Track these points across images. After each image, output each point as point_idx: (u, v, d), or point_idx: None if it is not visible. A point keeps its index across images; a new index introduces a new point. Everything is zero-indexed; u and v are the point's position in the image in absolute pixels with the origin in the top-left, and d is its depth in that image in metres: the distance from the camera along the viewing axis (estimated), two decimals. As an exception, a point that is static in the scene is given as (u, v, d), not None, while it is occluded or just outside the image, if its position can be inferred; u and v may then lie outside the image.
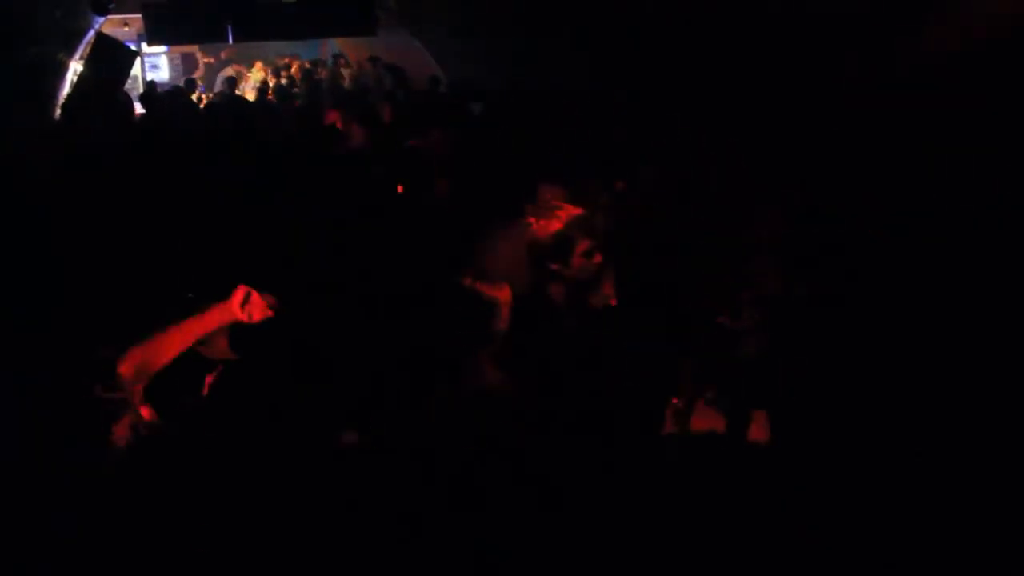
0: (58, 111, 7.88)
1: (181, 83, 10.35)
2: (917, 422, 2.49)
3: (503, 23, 7.22)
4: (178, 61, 12.91)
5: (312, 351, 2.14)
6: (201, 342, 1.92)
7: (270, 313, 1.94)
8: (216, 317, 1.92)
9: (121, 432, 1.65)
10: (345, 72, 11.42)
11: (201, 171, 4.36)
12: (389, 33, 9.80)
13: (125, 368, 1.72)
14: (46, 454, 1.52)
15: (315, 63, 11.80)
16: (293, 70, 11.25)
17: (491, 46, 7.96)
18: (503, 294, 2.06)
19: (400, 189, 4.07)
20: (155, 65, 12.70)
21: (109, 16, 8.31)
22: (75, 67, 8.53)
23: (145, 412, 1.75)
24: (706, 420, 2.50)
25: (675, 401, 2.49)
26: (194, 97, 9.76)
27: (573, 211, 2.42)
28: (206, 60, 12.50)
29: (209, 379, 2.03)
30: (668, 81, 5.17)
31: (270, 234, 3.18)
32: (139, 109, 8.13)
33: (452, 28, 8.81)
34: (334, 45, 12.82)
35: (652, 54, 5.25)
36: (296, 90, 10.43)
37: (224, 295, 1.92)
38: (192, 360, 1.92)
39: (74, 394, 1.62)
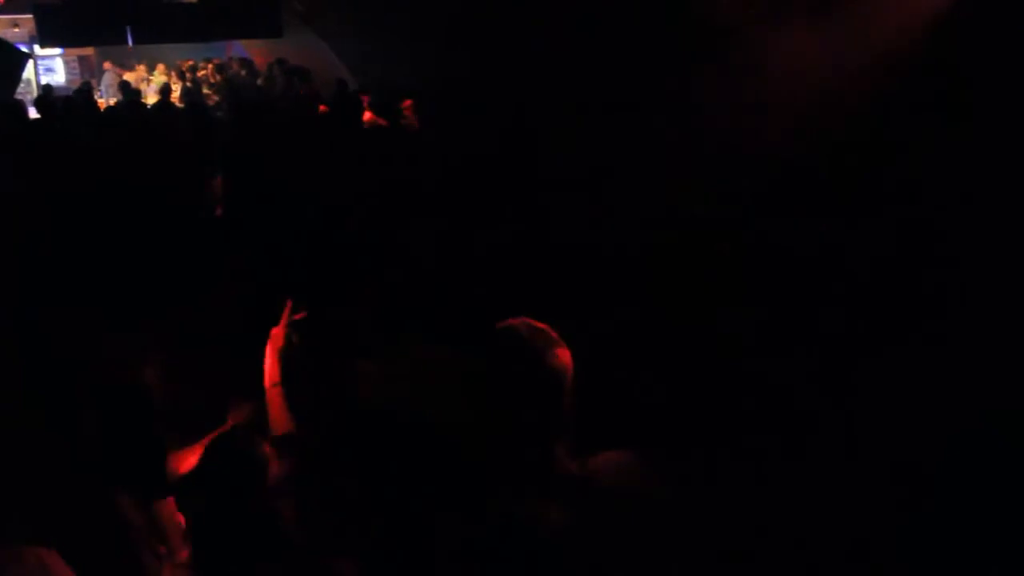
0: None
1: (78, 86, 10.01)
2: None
3: (406, 26, 7.36)
4: (75, 64, 12.43)
5: None
6: None
7: None
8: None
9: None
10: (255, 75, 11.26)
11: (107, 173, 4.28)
12: (295, 35, 9.77)
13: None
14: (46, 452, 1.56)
15: (223, 65, 11.58)
16: (201, 73, 11.00)
17: (395, 48, 8.08)
18: None
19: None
20: (50, 68, 12.20)
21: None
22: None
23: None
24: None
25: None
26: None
27: None
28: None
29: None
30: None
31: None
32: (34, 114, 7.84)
33: (357, 30, 8.89)
34: (239, 47, 12.63)
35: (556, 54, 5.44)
36: (206, 92, 10.20)
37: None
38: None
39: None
